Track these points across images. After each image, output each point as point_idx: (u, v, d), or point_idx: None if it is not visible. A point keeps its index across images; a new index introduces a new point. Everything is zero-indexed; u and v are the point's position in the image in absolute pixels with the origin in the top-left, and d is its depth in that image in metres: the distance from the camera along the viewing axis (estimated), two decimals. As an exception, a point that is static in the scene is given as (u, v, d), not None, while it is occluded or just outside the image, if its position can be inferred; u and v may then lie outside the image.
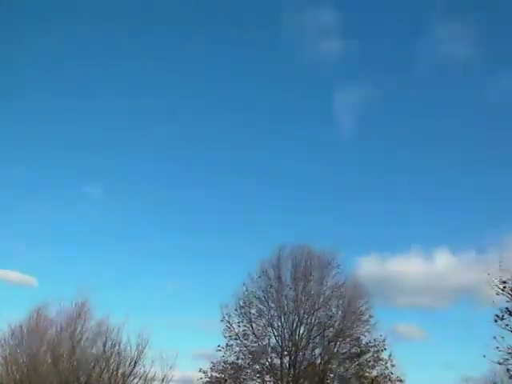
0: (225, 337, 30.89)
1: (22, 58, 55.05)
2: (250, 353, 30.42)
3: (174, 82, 61.31)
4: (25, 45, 54.80)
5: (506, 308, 16.53)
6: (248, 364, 30.35)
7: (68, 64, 57.10)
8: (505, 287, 16.66)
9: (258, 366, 30.32)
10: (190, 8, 58.08)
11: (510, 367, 17.75)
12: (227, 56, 61.23)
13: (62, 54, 57.75)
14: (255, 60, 59.63)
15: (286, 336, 30.69)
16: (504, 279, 16.80)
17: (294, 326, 30.78)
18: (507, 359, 17.22)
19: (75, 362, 29.40)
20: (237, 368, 30.20)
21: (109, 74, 61.00)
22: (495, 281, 16.62)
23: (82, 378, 29.23)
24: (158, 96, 61.12)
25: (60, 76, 58.57)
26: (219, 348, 30.41)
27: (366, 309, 30.88)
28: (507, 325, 16.55)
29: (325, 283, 31.70)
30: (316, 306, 31.07)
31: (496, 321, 16.73)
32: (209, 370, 30.06)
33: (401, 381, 29.42)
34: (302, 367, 29.93)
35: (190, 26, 58.62)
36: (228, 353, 30.51)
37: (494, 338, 16.71)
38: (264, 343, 30.87)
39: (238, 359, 30.43)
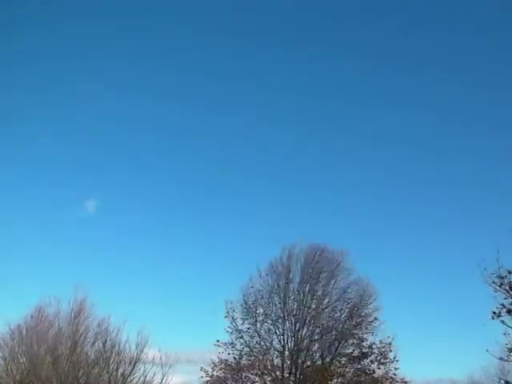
0: (228, 333, 30.61)
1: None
2: (252, 352, 29.99)
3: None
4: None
5: (502, 304, 16.00)
6: (250, 364, 29.86)
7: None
8: (502, 283, 16.12)
9: (259, 366, 29.76)
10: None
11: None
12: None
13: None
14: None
15: (289, 336, 30.25)
16: (502, 275, 16.20)
17: (298, 326, 30.32)
18: (510, 355, 16.80)
19: (75, 362, 29.23)
20: (239, 367, 29.79)
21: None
22: (492, 277, 16.05)
23: (81, 378, 29.10)
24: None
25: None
26: (218, 343, 29.98)
27: (373, 311, 30.22)
28: (503, 322, 16.13)
29: (332, 285, 31.14)
30: (321, 308, 30.60)
31: (493, 318, 16.23)
32: (210, 369, 29.68)
33: (405, 382, 28.79)
34: (304, 368, 29.42)
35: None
36: (230, 351, 30.18)
37: (504, 334, 16.37)
38: (267, 343, 30.46)
39: (240, 358, 30.01)
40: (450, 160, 56.44)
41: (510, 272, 16.19)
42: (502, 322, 15.86)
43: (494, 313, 16.15)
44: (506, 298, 16.23)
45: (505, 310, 15.94)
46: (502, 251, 16.70)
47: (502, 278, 16.34)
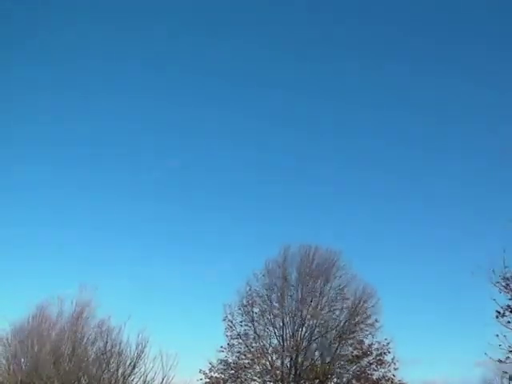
0: (227, 336, 30.88)
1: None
2: (251, 353, 30.26)
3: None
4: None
5: (508, 305, 16.20)
6: (249, 364, 30.17)
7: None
8: (508, 284, 16.34)
9: (258, 367, 30.12)
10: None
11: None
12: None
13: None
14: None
15: (288, 336, 30.56)
16: (508, 276, 16.43)
17: (297, 326, 30.68)
18: (508, 357, 16.95)
19: (76, 363, 29.27)
20: (237, 368, 30.07)
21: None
22: (498, 278, 16.26)
23: (82, 379, 29.12)
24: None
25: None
26: (222, 349, 30.34)
27: (373, 312, 30.65)
28: (509, 322, 16.23)
29: (329, 284, 31.52)
30: (319, 307, 30.91)
31: (497, 317, 16.39)
32: (208, 371, 29.94)
33: (402, 384, 29.16)
34: (303, 368, 29.74)
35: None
36: (229, 353, 30.51)
37: (497, 335, 16.43)
38: (265, 343, 30.80)
39: (239, 359, 30.33)
40: (450, 160, 57.44)
41: None
42: (509, 321, 15.95)
43: (499, 312, 16.26)
44: (510, 299, 16.42)
45: (509, 310, 16.11)
46: (506, 251, 16.86)
47: (508, 279, 16.56)
